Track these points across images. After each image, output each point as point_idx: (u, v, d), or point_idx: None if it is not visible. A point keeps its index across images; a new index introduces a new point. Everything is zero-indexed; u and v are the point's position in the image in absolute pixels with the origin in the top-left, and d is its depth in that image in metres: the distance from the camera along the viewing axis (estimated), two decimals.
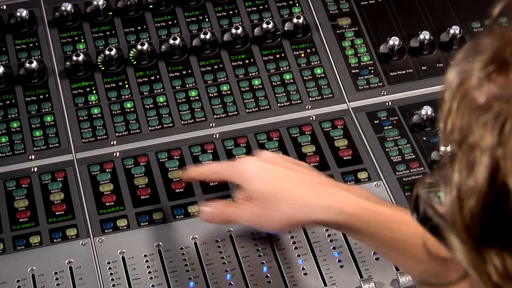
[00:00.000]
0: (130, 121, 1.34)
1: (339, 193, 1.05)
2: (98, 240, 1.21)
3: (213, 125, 1.34)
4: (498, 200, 0.54)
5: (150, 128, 1.34)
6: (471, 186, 0.55)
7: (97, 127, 1.33)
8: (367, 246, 1.10)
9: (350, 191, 1.05)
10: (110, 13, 1.45)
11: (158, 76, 1.39)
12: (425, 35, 1.43)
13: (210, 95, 1.37)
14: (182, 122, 1.34)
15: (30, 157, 1.30)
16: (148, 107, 1.36)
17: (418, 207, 0.62)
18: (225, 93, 1.37)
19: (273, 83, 1.39)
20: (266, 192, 1.07)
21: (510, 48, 0.56)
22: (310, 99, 1.38)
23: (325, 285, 1.16)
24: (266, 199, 1.07)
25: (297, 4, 1.48)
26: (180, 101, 1.36)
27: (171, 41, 1.40)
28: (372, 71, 1.41)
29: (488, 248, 0.55)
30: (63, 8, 1.44)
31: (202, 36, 1.40)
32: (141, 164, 1.29)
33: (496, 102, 0.55)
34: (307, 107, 1.37)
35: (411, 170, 1.29)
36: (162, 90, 1.37)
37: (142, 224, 1.23)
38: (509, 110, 0.54)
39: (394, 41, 1.42)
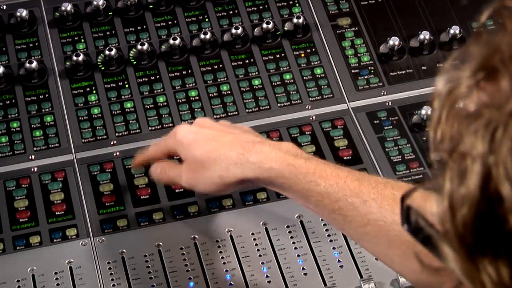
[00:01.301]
0: (130, 121, 1.34)
1: (268, 151, 1.06)
2: (98, 240, 1.21)
3: None
4: (491, 208, 0.54)
5: (150, 128, 1.34)
6: (463, 194, 0.55)
7: (97, 127, 1.33)
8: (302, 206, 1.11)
9: (279, 149, 1.07)
10: (110, 13, 1.45)
11: (158, 76, 1.39)
12: (425, 35, 1.43)
13: (210, 95, 1.37)
14: (182, 122, 1.34)
15: (30, 157, 1.30)
16: (148, 107, 1.36)
17: (409, 218, 0.62)
18: (225, 93, 1.37)
19: (273, 83, 1.39)
20: (198, 155, 1.09)
21: (498, 55, 0.56)
22: (310, 99, 1.38)
23: (325, 285, 1.16)
24: (198, 162, 1.10)
25: (297, 4, 1.48)
26: (180, 101, 1.36)
27: (171, 41, 1.40)
28: (372, 71, 1.41)
29: (482, 257, 0.55)
30: (63, 8, 1.44)
31: (202, 36, 1.40)
32: None
33: (487, 109, 0.55)
34: (307, 107, 1.37)
35: (411, 170, 1.29)
36: (162, 90, 1.37)
37: (142, 224, 1.23)
38: (500, 117, 0.54)
39: (394, 41, 1.42)
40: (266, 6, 1.48)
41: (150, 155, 1.20)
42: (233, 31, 1.42)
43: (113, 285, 1.17)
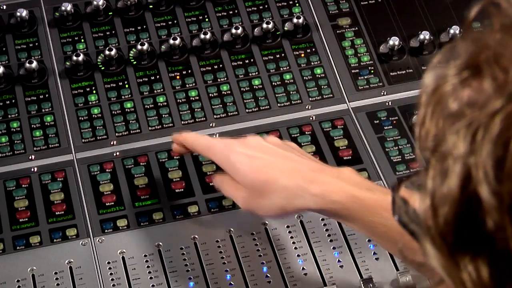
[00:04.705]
0: (130, 121, 1.34)
1: (329, 181, 1.03)
2: (98, 240, 1.21)
3: (213, 125, 1.34)
4: (471, 209, 0.54)
5: (150, 128, 1.34)
6: (445, 193, 0.56)
7: (97, 127, 1.33)
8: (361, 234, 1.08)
9: (341, 179, 1.04)
10: (110, 13, 1.45)
11: (158, 76, 1.39)
12: (425, 35, 1.43)
13: (210, 95, 1.37)
14: (182, 122, 1.34)
15: (30, 157, 1.30)
16: (148, 107, 1.36)
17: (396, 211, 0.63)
18: (225, 93, 1.37)
19: (273, 83, 1.39)
20: (255, 183, 1.06)
21: (484, 54, 0.56)
22: (310, 99, 1.38)
23: (325, 285, 1.16)
24: (255, 189, 1.06)
25: (297, 4, 1.48)
26: (180, 101, 1.36)
27: (171, 41, 1.40)
28: (372, 71, 1.41)
29: (462, 255, 0.56)
30: (63, 8, 1.44)
31: (202, 36, 1.40)
32: (141, 164, 1.29)
33: (469, 109, 0.55)
34: (307, 107, 1.37)
35: (411, 170, 1.29)
36: (162, 90, 1.37)
37: (142, 224, 1.23)
38: (481, 118, 0.54)
39: (394, 41, 1.42)
40: (266, 6, 1.48)
41: (194, 150, 1.16)
42: (233, 31, 1.42)
43: (113, 285, 1.17)
